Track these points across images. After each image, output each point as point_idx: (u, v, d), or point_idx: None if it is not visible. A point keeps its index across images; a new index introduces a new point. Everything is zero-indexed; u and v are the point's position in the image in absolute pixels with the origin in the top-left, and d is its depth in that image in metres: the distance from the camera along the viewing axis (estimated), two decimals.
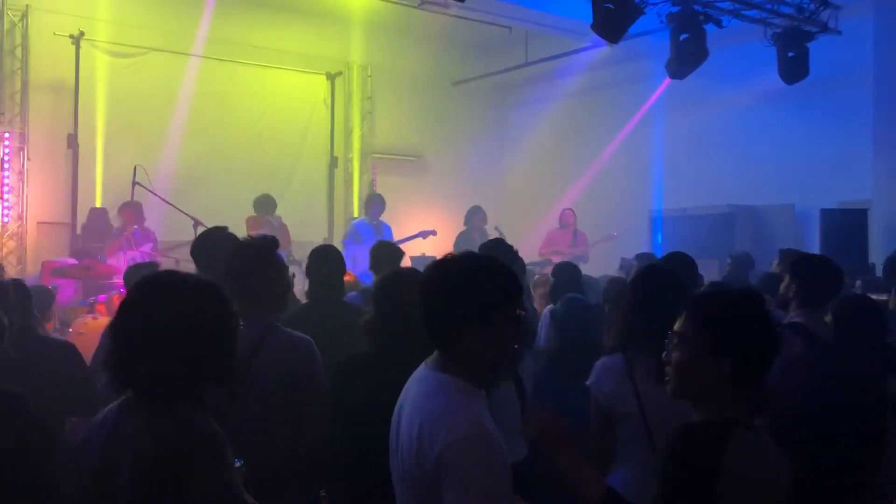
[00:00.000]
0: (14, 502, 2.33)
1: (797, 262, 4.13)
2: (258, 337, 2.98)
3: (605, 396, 3.08)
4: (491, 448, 1.92)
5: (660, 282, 3.21)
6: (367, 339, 3.01)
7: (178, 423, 1.91)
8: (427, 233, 9.73)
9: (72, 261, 8.04)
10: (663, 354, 2.10)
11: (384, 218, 9.62)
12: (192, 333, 1.96)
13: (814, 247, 8.06)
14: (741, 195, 9.92)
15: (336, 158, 12.09)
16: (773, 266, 6.13)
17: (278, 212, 9.32)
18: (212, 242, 3.93)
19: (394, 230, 9.58)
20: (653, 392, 2.87)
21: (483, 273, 2.09)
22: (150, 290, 2.03)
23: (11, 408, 2.52)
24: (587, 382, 3.18)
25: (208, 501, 1.88)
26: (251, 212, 9.19)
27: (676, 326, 2.07)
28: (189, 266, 7.67)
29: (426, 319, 2.09)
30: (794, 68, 8.67)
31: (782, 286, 4.11)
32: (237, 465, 2.06)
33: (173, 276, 2.13)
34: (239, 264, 3.15)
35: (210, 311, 2.02)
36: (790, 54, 8.65)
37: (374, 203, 9.62)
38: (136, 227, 8.42)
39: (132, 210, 8.49)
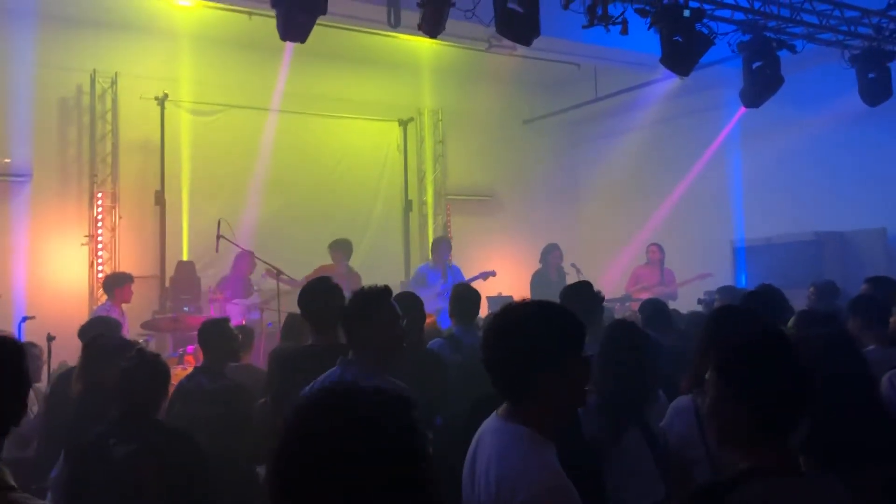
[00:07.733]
0: None
1: None
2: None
3: (677, 439, 3.07)
4: (570, 498, 1.95)
5: (736, 322, 3.17)
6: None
7: None
8: (486, 274, 9.51)
9: None
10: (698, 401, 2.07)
11: (455, 259, 9.63)
12: None
13: None
14: (827, 221, 9.57)
15: (410, 202, 12.28)
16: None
17: (355, 257, 9.46)
18: (312, 294, 3.96)
19: (469, 270, 9.60)
20: None
21: (549, 318, 2.13)
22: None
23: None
24: (661, 424, 3.15)
25: None
26: (329, 259, 9.37)
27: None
28: (272, 315, 7.99)
29: (495, 368, 2.12)
30: (875, 89, 8.37)
31: (892, 321, 3.91)
32: None
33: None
34: (351, 311, 3.29)
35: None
36: (870, 75, 8.36)
37: (440, 247, 9.67)
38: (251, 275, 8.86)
39: (247, 259, 8.81)
